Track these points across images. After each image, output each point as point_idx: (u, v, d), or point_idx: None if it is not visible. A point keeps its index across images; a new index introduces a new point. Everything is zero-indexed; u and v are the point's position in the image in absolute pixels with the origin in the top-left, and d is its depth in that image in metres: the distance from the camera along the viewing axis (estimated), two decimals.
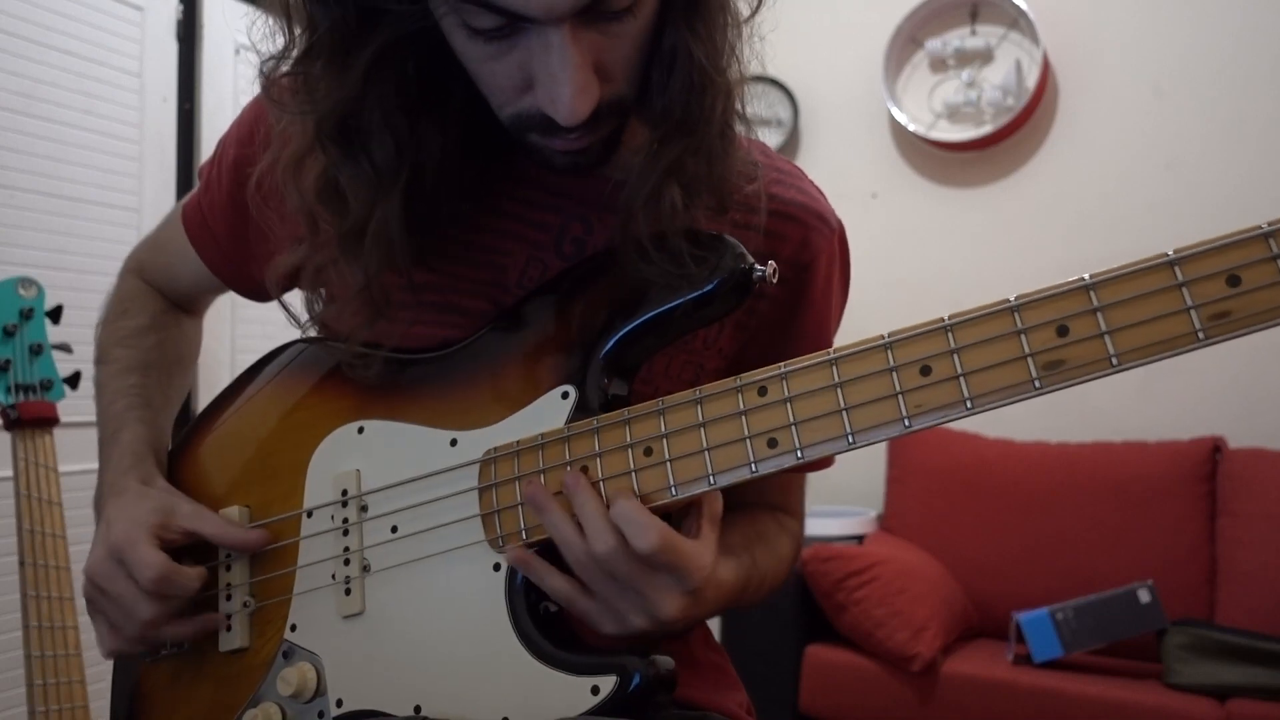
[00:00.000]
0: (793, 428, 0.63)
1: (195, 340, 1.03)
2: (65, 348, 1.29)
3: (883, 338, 0.61)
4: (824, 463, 0.73)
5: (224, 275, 0.93)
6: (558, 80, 0.61)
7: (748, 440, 0.64)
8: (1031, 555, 2.53)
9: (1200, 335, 0.54)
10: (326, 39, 0.65)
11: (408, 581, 0.74)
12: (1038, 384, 0.57)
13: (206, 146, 2.54)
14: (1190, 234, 0.55)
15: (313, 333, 0.86)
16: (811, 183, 0.87)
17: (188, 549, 0.81)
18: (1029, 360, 0.57)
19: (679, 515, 0.68)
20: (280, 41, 0.68)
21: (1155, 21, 2.78)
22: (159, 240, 0.98)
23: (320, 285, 0.82)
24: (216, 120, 2.55)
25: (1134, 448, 2.55)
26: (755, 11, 0.70)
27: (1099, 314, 0.56)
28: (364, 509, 0.77)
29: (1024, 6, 2.87)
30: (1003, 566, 2.55)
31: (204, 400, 0.91)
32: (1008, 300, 0.58)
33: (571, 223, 0.79)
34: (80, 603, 0.84)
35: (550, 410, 0.71)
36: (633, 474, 0.66)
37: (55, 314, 1.29)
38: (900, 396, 0.60)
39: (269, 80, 0.71)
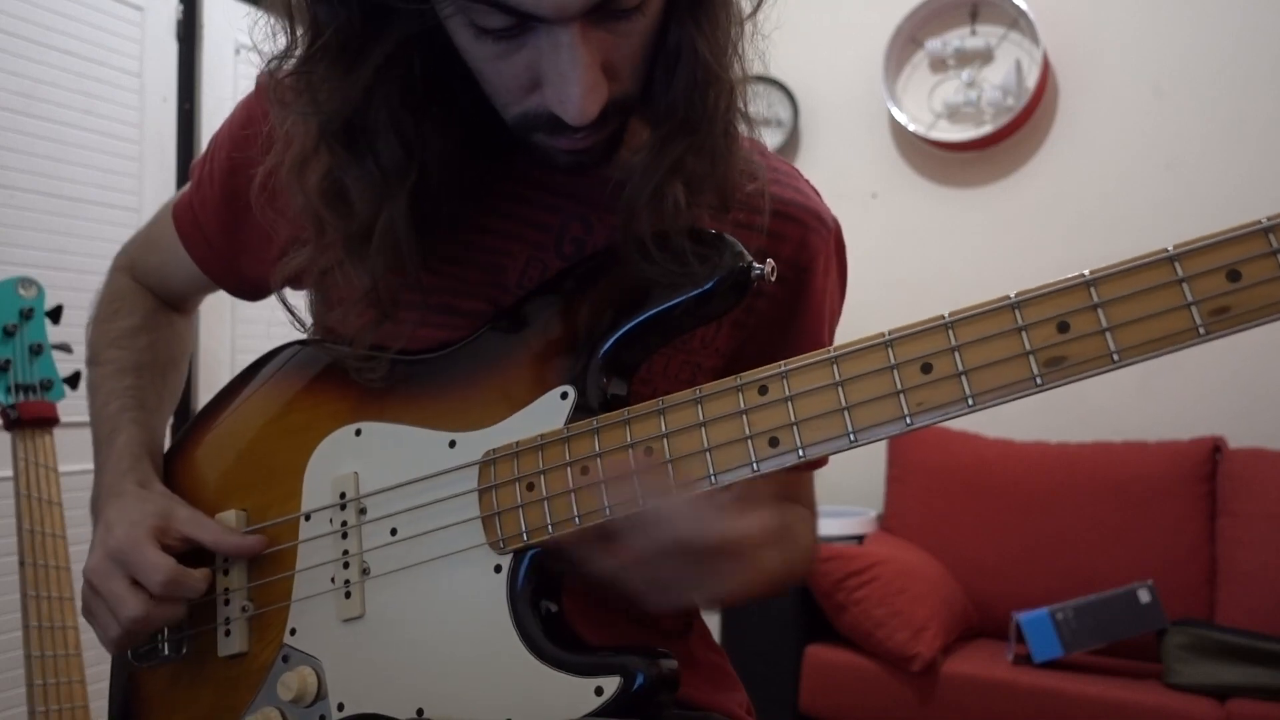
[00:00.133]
0: (794, 426, 0.63)
1: (187, 339, 1.03)
2: (65, 348, 1.29)
3: (883, 335, 0.61)
4: (820, 461, 0.73)
5: (214, 274, 0.92)
6: (567, 80, 0.61)
7: (749, 439, 0.64)
8: (1031, 555, 2.53)
9: (1201, 331, 0.54)
10: (332, 40, 0.64)
11: (408, 584, 0.74)
12: (1039, 381, 0.57)
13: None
14: (1190, 234, 0.55)
15: (316, 335, 0.85)
16: (807, 182, 0.87)
17: (185, 553, 0.80)
18: (1030, 357, 0.57)
19: None
20: (282, 41, 0.68)
21: (1155, 21, 2.78)
22: (150, 238, 0.97)
23: (325, 287, 0.82)
24: (216, 120, 2.53)
25: (1134, 448, 2.55)
26: (757, 8, 0.70)
27: (1099, 310, 0.56)
28: (363, 512, 0.76)
29: (1024, 6, 2.87)
30: (1003, 566, 2.55)
31: (204, 401, 0.91)
32: (1008, 297, 0.58)
33: (571, 223, 0.79)
34: (80, 603, 0.83)
35: (549, 411, 0.71)
36: (634, 475, 0.66)
37: (55, 314, 1.29)
38: (901, 394, 0.60)
39: (272, 80, 0.71)
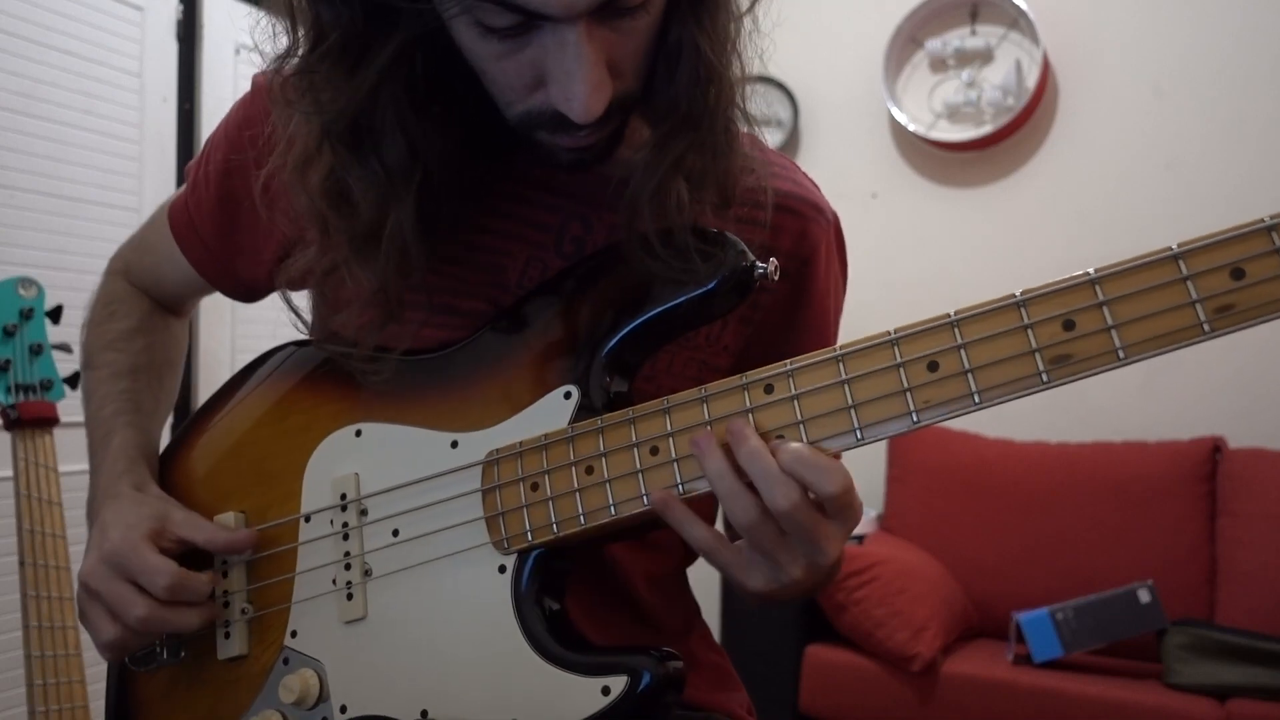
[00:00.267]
0: (800, 425, 0.63)
1: (182, 342, 1.02)
2: (65, 348, 1.29)
3: (889, 334, 0.61)
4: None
5: (209, 276, 0.92)
6: (573, 77, 0.61)
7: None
8: (1031, 555, 2.53)
9: (1205, 328, 0.54)
10: (336, 41, 0.64)
11: (411, 586, 0.73)
12: (1045, 378, 0.57)
13: None
14: (1190, 234, 0.56)
15: (318, 336, 0.85)
16: (804, 174, 0.87)
17: (183, 555, 0.80)
18: (1036, 355, 0.57)
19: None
20: (284, 42, 0.68)
21: (1155, 21, 2.78)
22: (145, 241, 0.97)
23: (327, 288, 0.81)
24: (216, 120, 2.52)
25: (1134, 448, 2.56)
26: (755, 3, 0.70)
27: (1104, 308, 0.56)
28: (364, 513, 0.76)
29: (1024, 6, 2.87)
30: (1003, 566, 2.55)
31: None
32: (1013, 295, 0.58)
33: (571, 222, 0.79)
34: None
35: (552, 411, 0.71)
36: (639, 474, 0.66)
37: (55, 314, 1.29)
38: (908, 392, 0.60)
39: (273, 80, 0.71)
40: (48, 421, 1.26)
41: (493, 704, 0.68)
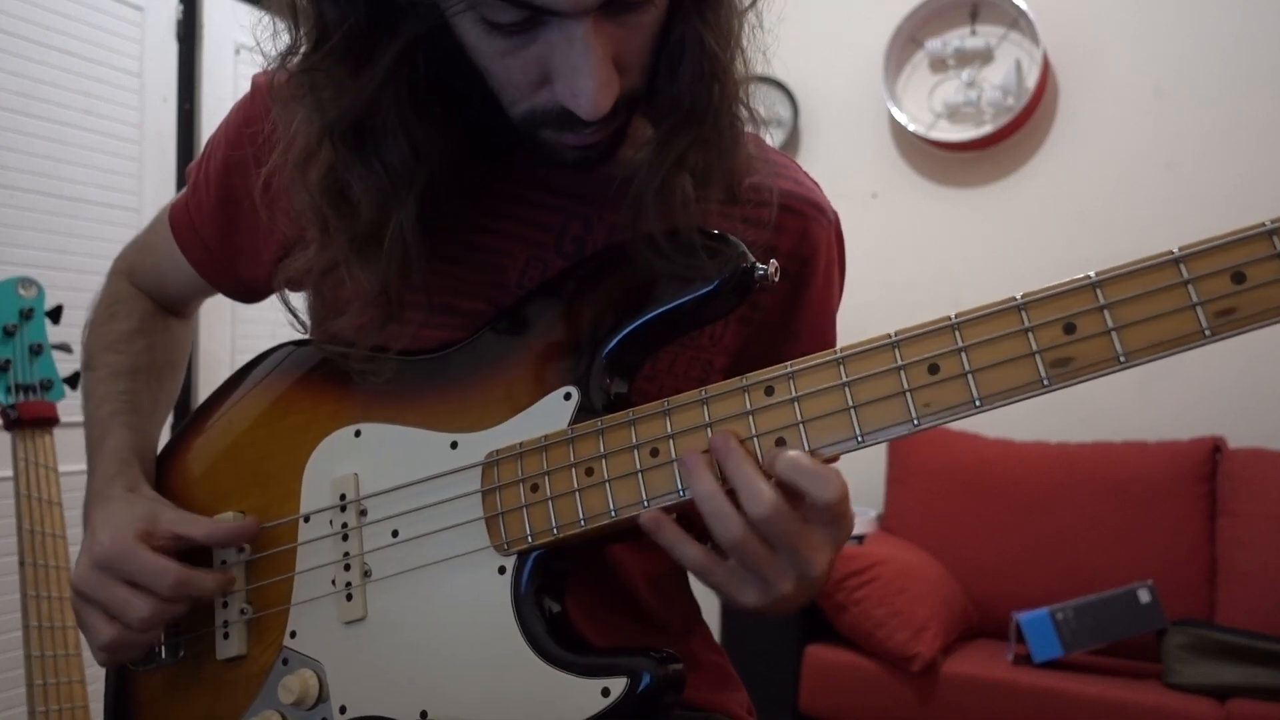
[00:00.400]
0: (800, 427, 0.62)
1: (185, 343, 1.02)
2: (65, 348, 1.29)
3: (889, 336, 0.61)
4: (828, 461, 0.72)
5: (210, 277, 0.92)
6: (581, 74, 0.61)
7: (755, 440, 0.63)
8: (1031, 555, 2.53)
9: (1206, 332, 0.54)
10: (339, 39, 0.64)
11: (411, 587, 0.73)
12: (1046, 381, 0.57)
13: None
14: (1190, 234, 0.56)
15: (316, 337, 0.85)
16: (806, 174, 0.87)
17: (181, 555, 0.80)
18: (1037, 358, 0.57)
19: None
20: (285, 41, 0.68)
21: (1155, 21, 2.78)
22: (147, 242, 0.97)
23: (326, 288, 0.81)
24: (216, 120, 2.53)
25: (1134, 448, 2.56)
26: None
27: (1105, 311, 0.56)
28: (363, 513, 0.76)
29: (1024, 6, 2.87)
30: (1003, 566, 2.56)
31: None
32: (1014, 298, 0.58)
33: (571, 222, 0.79)
34: None
35: (552, 412, 0.71)
36: (639, 475, 0.66)
37: (55, 314, 1.29)
38: (908, 395, 0.60)
39: (274, 80, 0.71)
40: (48, 421, 1.26)
41: (492, 705, 0.68)
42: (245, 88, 0.86)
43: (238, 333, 2.58)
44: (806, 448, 0.62)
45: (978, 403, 0.58)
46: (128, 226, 2.34)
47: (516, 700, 0.67)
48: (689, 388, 0.66)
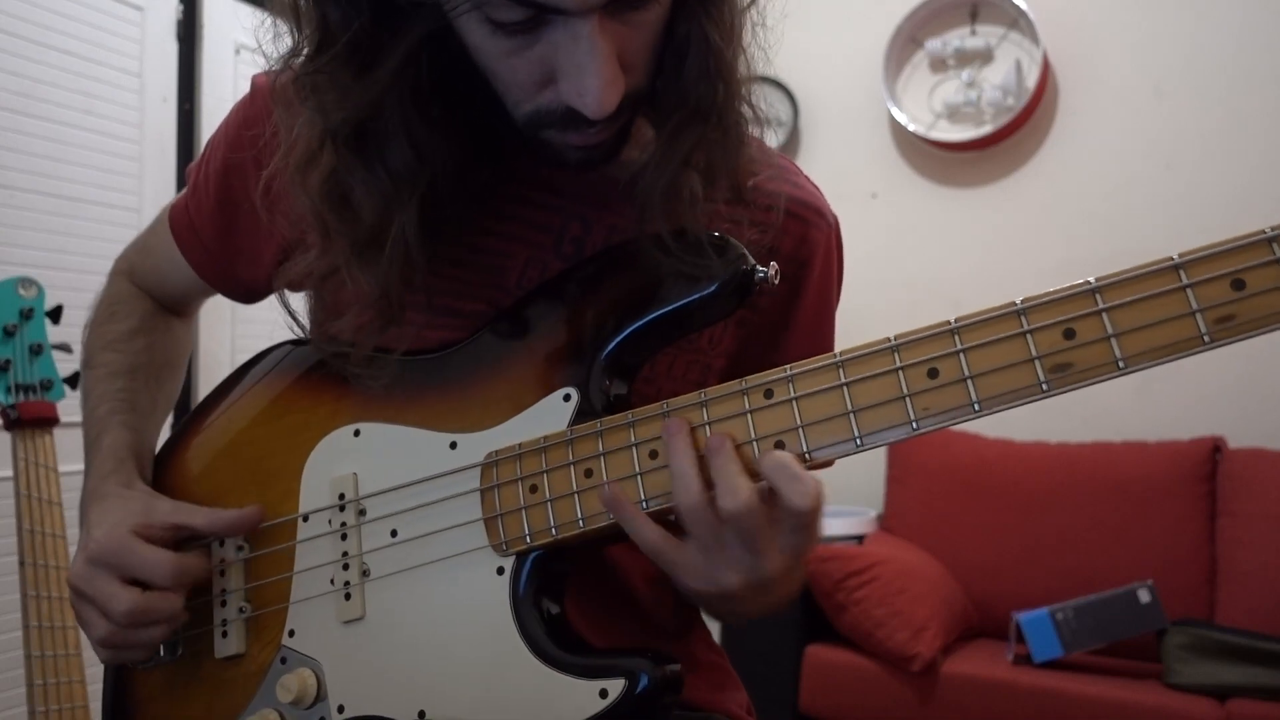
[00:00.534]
0: (799, 430, 0.63)
1: (185, 342, 1.02)
2: (65, 348, 1.29)
3: (889, 340, 0.61)
4: (824, 463, 0.73)
5: (210, 278, 0.92)
6: (586, 72, 0.61)
7: (754, 443, 0.63)
8: (1031, 555, 2.53)
9: (1206, 339, 0.54)
10: (343, 43, 0.63)
11: (409, 586, 0.73)
12: (1045, 386, 0.57)
13: None
14: (1191, 234, 0.56)
15: (317, 339, 0.85)
16: (807, 177, 0.87)
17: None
18: (1036, 363, 0.57)
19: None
20: (287, 42, 0.67)
21: (1155, 21, 2.78)
22: (148, 243, 0.97)
23: (326, 291, 0.81)
24: (216, 120, 2.52)
25: (1134, 448, 2.56)
26: None
27: (1105, 317, 0.56)
28: (362, 513, 0.76)
29: (1024, 6, 2.87)
30: (1003, 566, 2.56)
31: None
32: (1014, 303, 0.58)
33: (570, 223, 0.79)
34: None
35: (552, 412, 0.71)
36: (638, 477, 0.66)
37: (55, 314, 1.29)
38: (908, 399, 0.60)
39: (276, 81, 0.71)
40: (48, 421, 1.26)
41: (490, 705, 0.68)
42: (245, 88, 0.86)
43: (238, 333, 2.58)
44: (805, 450, 0.62)
45: (976, 407, 0.59)
46: (128, 226, 2.34)
47: (514, 701, 0.67)
48: (688, 390, 0.67)
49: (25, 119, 2.19)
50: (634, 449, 0.67)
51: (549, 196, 0.79)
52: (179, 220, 0.91)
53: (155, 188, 2.47)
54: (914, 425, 0.60)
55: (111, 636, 0.77)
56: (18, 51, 2.18)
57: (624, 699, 0.64)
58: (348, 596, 0.75)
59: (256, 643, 0.79)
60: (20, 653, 1.19)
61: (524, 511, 0.69)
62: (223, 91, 2.61)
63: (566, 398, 0.71)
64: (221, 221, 0.87)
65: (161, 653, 0.82)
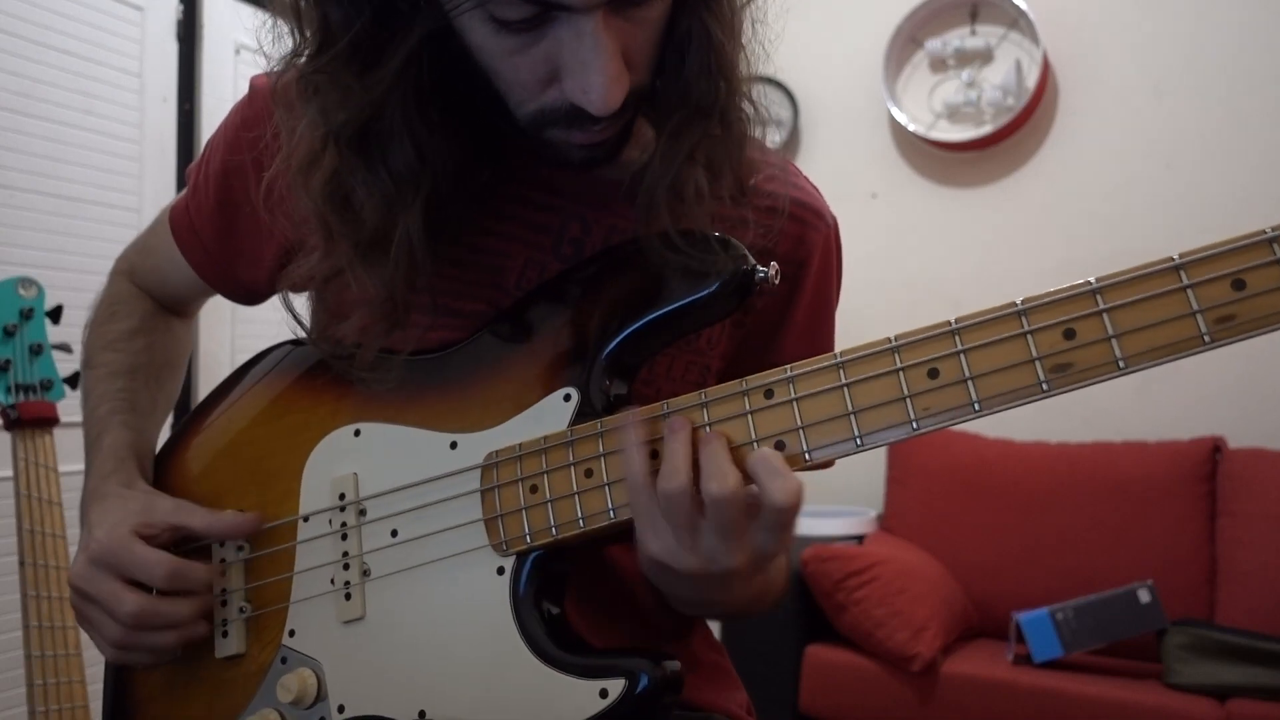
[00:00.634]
0: (800, 430, 0.63)
1: (185, 342, 1.02)
2: (65, 348, 1.29)
3: (889, 340, 0.61)
4: (825, 464, 0.73)
5: (210, 279, 0.92)
6: (591, 69, 0.60)
7: (755, 444, 0.63)
8: (1031, 555, 2.53)
9: (1206, 339, 0.54)
10: (345, 44, 0.63)
11: (410, 586, 0.73)
12: (1045, 387, 0.57)
13: None
14: (1191, 234, 0.56)
15: (319, 341, 0.85)
16: (806, 178, 0.87)
17: (180, 553, 0.80)
18: (1037, 363, 0.57)
19: None
20: (289, 43, 0.67)
21: (1155, 21, 2.78)
22: (148, 243, 0.97)
23: (329, 292, 0.81)
24: (216, 120, 2.52)
25: (1134, 448, 2.56)
26: None
27: (1105, 317, 0.56)
28: (362, 513, 0.76)
29: (1024, 6, 2.87)
30: (1003, 566, 2.56)
31: None
32: (1014, 303, 0.58)
33: (569, 223, 0.79)
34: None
35: (552, 413, 0.71)
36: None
37: (55, 314, 1.29)
38: (908, 399, 0.60)
39: (278, 82, 0.70)
40: (48, 421, 1.26)
41: (490, 705, 0.68)
42: (245, 88, 0.85)
43: (238, 333, 2.58)
44: (805, 450, 0.62)
45: (977, 407, 0.59)
46: (128, 226, 2.34)
47: (514, 701, 0.67)
48: (687, 391, 0.67)
49: (25, 119, 2.19)
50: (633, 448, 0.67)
51: (548, 197, 0.79)
52: (179, 221, 0.90)
53: (155, 188, 2.47)
54: (914, 425, 0.60)
55: (122, 639, 0.77)
56: (18, 51, 2.18)
57: (624, 699, 0.64)
58: (348, 596, 0.75)
59: (257, 643, 0.79)
60: (20, 653, 1.19)
61: (524, 512, 0.69)
62: (223, 92, 2.61)
63: (567, 398, 0.71)
64: (221, 222, 0.87)
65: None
